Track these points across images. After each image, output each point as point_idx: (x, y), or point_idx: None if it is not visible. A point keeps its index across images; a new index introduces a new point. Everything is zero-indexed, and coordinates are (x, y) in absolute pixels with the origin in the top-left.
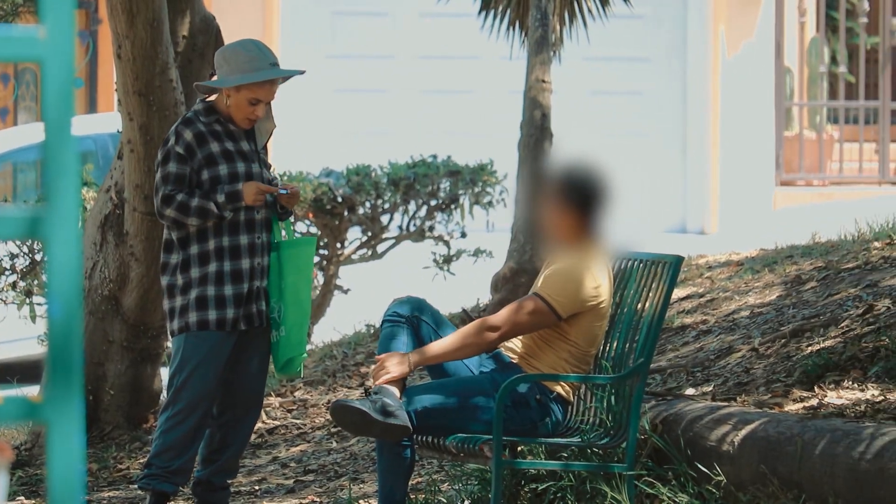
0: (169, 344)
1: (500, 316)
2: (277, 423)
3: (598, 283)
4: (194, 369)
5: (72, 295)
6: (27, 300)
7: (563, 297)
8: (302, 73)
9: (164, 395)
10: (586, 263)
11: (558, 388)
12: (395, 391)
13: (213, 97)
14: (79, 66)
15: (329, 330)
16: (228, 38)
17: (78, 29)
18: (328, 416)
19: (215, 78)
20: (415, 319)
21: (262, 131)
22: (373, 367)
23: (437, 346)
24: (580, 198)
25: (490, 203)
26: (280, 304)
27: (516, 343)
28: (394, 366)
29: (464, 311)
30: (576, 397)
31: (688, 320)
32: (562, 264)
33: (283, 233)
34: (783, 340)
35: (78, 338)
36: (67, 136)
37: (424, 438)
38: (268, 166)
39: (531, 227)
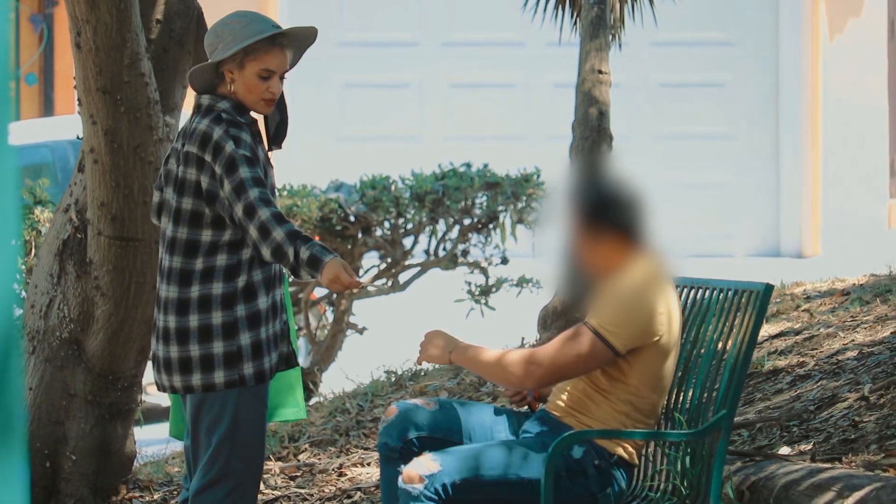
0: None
1: (546, 352)
2: (278, 493)
3: (664, 308)
4: (256, 432)
5: (8, 333)
6: None
7: (620, 327)
8: (314, 31)
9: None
10: (646, 283)
11: (619, 450)
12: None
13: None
14: (31, 59)
15: (341, 378)
16: (213, 21)
17: (30, 12)
18: (340, 485)
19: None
20: (410, 445)
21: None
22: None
23: (477, 354)
24: (604, 216)
25: (536, 221)
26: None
27: (560, 396)
28: (436, 349)
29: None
30: (642, 459)
31: (781, 363)
32: (616, 285)
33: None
34: None
35: (17, 387)
36: (3, 143)
37: None
38: None
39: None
